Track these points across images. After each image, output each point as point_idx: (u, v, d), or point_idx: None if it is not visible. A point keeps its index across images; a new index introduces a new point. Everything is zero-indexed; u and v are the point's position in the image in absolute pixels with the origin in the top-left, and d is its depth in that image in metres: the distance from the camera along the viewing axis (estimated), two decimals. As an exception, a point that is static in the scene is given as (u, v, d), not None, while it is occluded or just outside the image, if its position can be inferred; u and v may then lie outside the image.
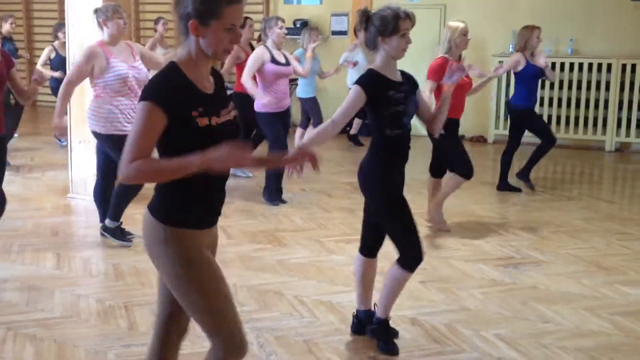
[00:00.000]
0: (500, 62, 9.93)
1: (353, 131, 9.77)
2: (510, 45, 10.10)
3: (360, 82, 3.29)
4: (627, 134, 9.76)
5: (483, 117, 10.17)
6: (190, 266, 2.27)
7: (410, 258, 3.34)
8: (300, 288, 4.33)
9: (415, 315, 3.90)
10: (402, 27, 3.20)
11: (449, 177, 5.56)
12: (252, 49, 7.09)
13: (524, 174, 7.12)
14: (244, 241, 5.30)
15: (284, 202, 6.40)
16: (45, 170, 7.78)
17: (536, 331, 3.77)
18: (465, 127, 10.39)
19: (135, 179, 2.21)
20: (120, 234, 5.12)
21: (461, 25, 5.23)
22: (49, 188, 6.89)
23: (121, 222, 5.16)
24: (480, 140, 10.28)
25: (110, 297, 4.18)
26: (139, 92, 4.63)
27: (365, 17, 3.28)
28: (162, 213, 2.31)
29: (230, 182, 5.95)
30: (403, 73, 3.41)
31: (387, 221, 3.38)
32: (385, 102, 3.25)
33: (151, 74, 5.04)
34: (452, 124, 5.20)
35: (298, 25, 10.61)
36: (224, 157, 2.08)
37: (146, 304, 4.03)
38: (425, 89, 5.03)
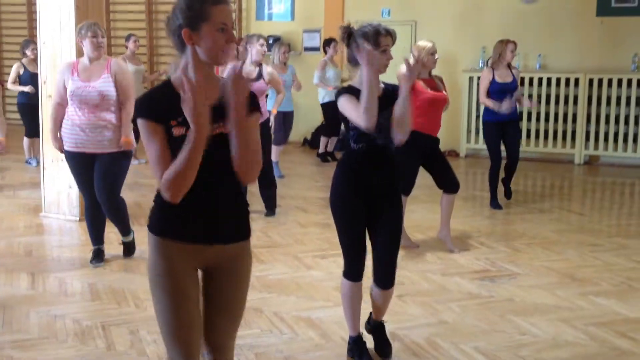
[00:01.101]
0: (470, 77, 10.16)
1: (322, 150, 9.78)
2: (481, 61, 10.28)
3: (344, 91, 3.31)
4: (596, 147, 9.96)
5: (455, 131, 10.30)
6: (154, 273, 2.35)
7: (346, 266, 3.45)
8: (280, 304, 4.33)
9: (395, 329, 3.92)
10: (382, 43, 3.24)
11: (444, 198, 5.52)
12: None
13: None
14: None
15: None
16: (16, 189, 7.68)
17: (514, 343, 3.81)
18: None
19: (171, 191, 2.20)
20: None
21: (429, 45, 5.26)
22: (21, 207, 6.80)
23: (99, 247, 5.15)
24: (452, 154, 10.40)
25: (86, 317, 4.13)
26: (89, 112, 4.73)
27: (347, 34, 3.31)
28: (149, 221, 2.41)
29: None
30: (386, 87, 3.40)
31: (337, 231, 3.43)
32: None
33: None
34: (430, 142, 5.26)
35: (270, 42, 10.65)
36: (188, 105, 2.09)
37: (123, 323, 4.00)
38: None
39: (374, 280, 3.52)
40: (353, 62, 3.36)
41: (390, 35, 3.28)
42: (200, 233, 2.33)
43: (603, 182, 8.94)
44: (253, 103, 2.33)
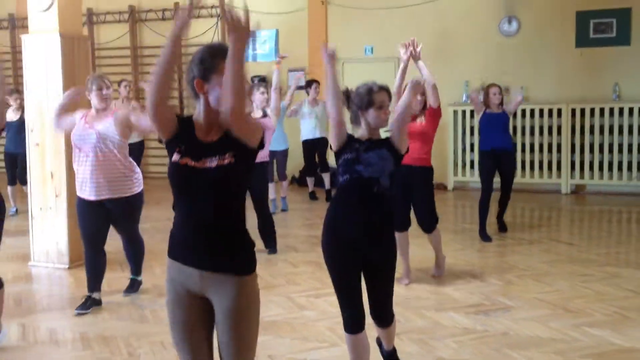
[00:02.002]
0: (454, 111, 10.28)
1: (310, 188, 9.91)
2: (464, 95, 10.41)
3: None
4: (582, 176, 10.07)
5: (442, 165, 10.36)
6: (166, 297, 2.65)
7: (343, 318, 3.42)
8: (274, 347, 4.29)
9: (391, 368, 3.90)
10: (376, 99, 3.39)
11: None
12: None
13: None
14: (213, 301, 5.24)
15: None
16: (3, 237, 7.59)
17: (511, 378, 3.80)
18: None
19: (150, 87, 2.47)
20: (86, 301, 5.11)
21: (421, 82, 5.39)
22: (9, 256, 6.73)
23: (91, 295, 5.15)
24: (440, 187, 10.45)
25: (79, 367, 4.08)
26: (92, 155, 4.87)
27: (346, 96, 3.49)
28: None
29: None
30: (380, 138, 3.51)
31: (331, 280, 3.44)
32: (344, 151, 3.40)
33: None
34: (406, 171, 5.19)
35: (255, 82, 10.72)
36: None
37: (117, 372, 3.95)
38: None
39: (373, 321, 3.51)
40: (354, 120, 3.51)
41: (386, 90, 3.44)
42: (183, 250, 2.53)
43: (590, 210, 9.01)
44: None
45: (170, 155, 2.52)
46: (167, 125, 2.53)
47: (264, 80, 10.31)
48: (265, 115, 6.66)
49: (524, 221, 8.31)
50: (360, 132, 3.48)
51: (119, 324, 4.80)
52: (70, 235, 6.19)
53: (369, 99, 3.39)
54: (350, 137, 3.44)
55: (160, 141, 2.71)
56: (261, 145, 2.55)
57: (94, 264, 5.13)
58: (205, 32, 11.97)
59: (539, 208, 9.03)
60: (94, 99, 5.00)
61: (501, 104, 7.17)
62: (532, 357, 4.07)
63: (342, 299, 3.39)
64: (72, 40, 6.28)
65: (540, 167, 10.25)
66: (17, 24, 13.02)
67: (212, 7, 11.96)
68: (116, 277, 6.00)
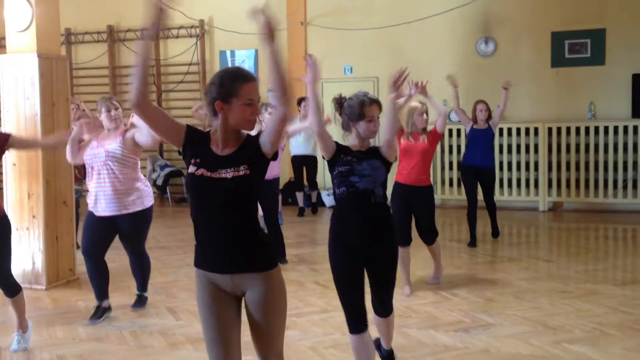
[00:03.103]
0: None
1: (300, 204, 10.01)
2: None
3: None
4: (559, 194, 10.17)
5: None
6: (196, 297, 2.84)
7: (347, 320, 3.61)
8: (255, 367, 4.25)
9: (373, 387, 3.88)
10: (367, 113, 3.54)
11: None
12: None
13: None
14: (193, 321, 5.20)
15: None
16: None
17: (492, 395, 3.80)
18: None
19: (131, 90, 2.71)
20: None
21: (419, 106, 5.66)
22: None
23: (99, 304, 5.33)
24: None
25: (56, 390, 4.01)
26: (103, 173, 5.07)
27: (339, 104, 3.67)
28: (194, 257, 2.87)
29: (170, 259, 5.89)
30: (373, 146, 3.66)
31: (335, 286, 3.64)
32: (336, 163, 3.56)
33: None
34: (407, 190, 5.68)
35: (261, 104, 10.76)
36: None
37: (96, 394, 3.89)
38: None
39: (373, 310, 3.73)
40: (345, 128, 3.65)
41: (377, 103, 3.59)
42: (217, 264, 2.75)
43: (568, 228, 9.10)
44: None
45: (187, 165, 2.76)
46: (158, 126, 2.77)
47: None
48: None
49: (502, 239, 8.35)
50: (351, 141, 3.64)
51: (97, 346, 4.73)
52: (47, 256, 6.12)
53: (360, 112, 3.53)
54: (339, 147, 3.59)
55: (179, 152, 2.90)
56: (274, 157, 2.78)
57: (97, 274, 5.30)
58: (184, 51, 12.00)
59: (517, 225, 9.09)
60: (104, 120, 5.22)
61: (488, 119, 7.69)
62: (513, 374, 4.08)
63: (346, 302, 3.59)
64: (50, 60, 6.25)
65: (518, 185, 10.35)
66: (-6, 43, 12.92)
67: (191, 27, 11.98)
68: (92, 297, 5.91)
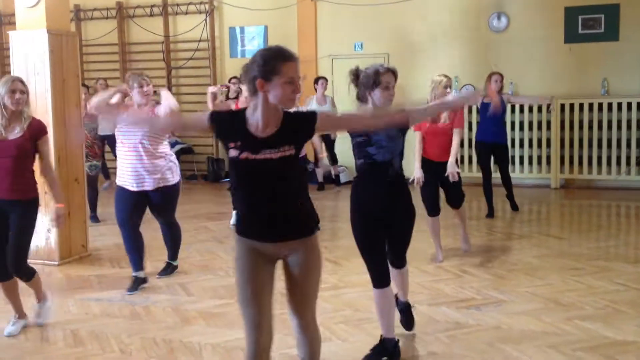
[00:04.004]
0: (445, 106, 10.24)
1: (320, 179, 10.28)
2: (454, 90, 10.40)
3: None
4: (571, 171, 10.10)
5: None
6: (235, 257, 3.00)
7: (371, 277, 3.87)
8: (267, 343, 4.27)
9: (384, 363, 3.90)
10: (383, 80, 3.65)
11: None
12: None
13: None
14: (204, 297, 5.23)
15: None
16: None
17: (504, 372, 3.81)
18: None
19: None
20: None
21: (444, 79, 5.77)
22: None
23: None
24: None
25: (70, 364, 4.05)
26: (136, 149, 5.21)
27: (355, 75, 3.77)
28: (236, 225, 3.07)
29: (182, 236, 5.95)
30: None
31: (357, 245, 3.88)
32: (354, 132, 3.73)
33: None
34: (435, 166, 5.85)
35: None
36: None
37: (109, 369, 3.93)
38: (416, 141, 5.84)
39: (389, 264, 3.96)
40: (362, 98, 3.76)
41: (391, 72, 3.71)
42: (262, 234, 2.92)
43: (580, 205, 9.05)
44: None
45: (226, 149, 2.87)
46: (191, 132, 3.12)
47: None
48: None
49: (514, 216, 8.32)
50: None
51: (110, 321, 4.77)
52: (60, 232, 6.14)
53: (375, 79, 3.63)
54: None
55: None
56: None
57: (133, 245, 5.47)
58: (193, 28, 11.94)
59: (529, 203, 9.05)
60: (136, 96, 5.33)
61: (500, 91, 7.85)
62: (524, 350, 4.08)
63: (369, 262, 3.84)
64: (60, 36, 6.23)
65: (530, 162, 10.29)
66: (3, 20, 12.91)
67: (200, 3, 11.91)
68: (107, 274, 5.97)
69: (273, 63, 2.73)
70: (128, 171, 5.31)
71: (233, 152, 2.83)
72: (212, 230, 7.59)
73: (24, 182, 4.37)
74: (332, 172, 10.36)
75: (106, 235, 7.42)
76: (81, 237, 6.51)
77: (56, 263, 6.18)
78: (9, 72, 6.60)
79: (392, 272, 4.03)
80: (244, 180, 2.89)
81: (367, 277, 4.95)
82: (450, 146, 5.83)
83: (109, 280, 5.74)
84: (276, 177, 2.85)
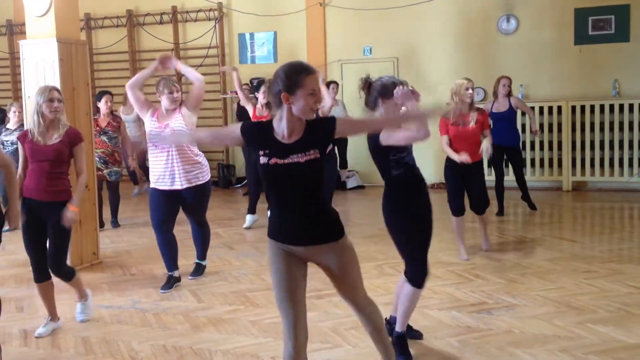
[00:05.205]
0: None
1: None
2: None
3: None
4: (582, 173, 10.05)
5: (441, 163, 10.31)
6: (269, 260, 3.17)
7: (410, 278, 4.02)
8: (277, 349, 4.26)
9: (395, 368, 3.87)
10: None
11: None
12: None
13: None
14: (215, 304, 5.23)
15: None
16: (3, 243, 7.57)
17: (515, 376, 3.78)
18: (426, 174, 10.59)
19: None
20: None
21: (465, 82, 6.07)
22: (10, 262, 6.72)
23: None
24: (441, 186, 10.40)
25: (81, 372, 4.06)
26: (169, 150, 5.38)
27: (367, 84, 3.96)
28: (268, 229, 3.20)
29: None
30: None
31: (401, 241, 4.03)
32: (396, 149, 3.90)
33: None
34: (462, 168, 6.07)
35: (255, 84, 10.74)
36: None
37: (120, 376, 3.93)
38: (442, 143, 6.12)
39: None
40: (372, 106, 3.96)
41: (404, 86, 3.88)
42: (293, 237, 3.09)
43: (592, 207, 8.99)
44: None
45: (257, 158, 3.06)
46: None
47: (263, 83, 10.38)
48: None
49: (525, 219, 8.28)
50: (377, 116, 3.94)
51: (120, 328, 4.78)
52: (71, 240, 6.14)
53: (392, 89, 3.80)
54: None
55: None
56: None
57: (168, 246, 5.67)
58: (203, 35, 11.98)
59: (541, 205, 8.98)
60: (165, 101, 5.51)
61: (508, 95, 8.17)
62: (536, 355, 4.05)
63: (420, 254, 4.00)
64: (70, 45, 6.27)
65: (542, 165, 10.24)
66: (15, 29, 13.02)
67: (209, 10, 11.95)
68: (117, 281, 5.99)
69: (296, 77, 2.94)
70: (161, 171, 5.45)
71: (263, 159, 3.03)
72: (222, 237, 7.60)
73: (60, 184, 4.58)
74: (341, 177, 10.36)
75: (117, 243, 7.44)
76: (92, 244, 6.54)
77: (68, 270, 6.19)
78: (20, 82, 6.64)
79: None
80: (274, 185, 3.07)
81: (377, 282, 4.95)
82: (477, 148, 6.09)
83: (120, 287, 5.76)
84: (304, 180, 3.03)
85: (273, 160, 3.01)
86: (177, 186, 5.47)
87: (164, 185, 5.48)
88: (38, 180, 4.52)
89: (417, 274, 3.97)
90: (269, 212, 3.24)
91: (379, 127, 3.69)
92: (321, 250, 3.12)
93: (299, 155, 3.01)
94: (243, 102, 8.34)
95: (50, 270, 4.61)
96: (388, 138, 3.76)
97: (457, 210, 6.19)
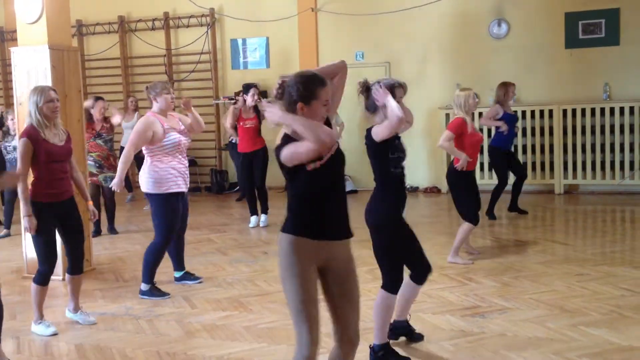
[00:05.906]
0: (447, 114, 10.25)
1: None
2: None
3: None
4: (574, 176, 10.09)
5: (436, 169, 10.36)
6: (287, 262, 3.05)
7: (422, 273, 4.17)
8: (271, 354, 4.27)
9: (389, 373, 3.88)
10: (397, 94, 3.99)
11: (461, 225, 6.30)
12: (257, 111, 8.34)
13: (488, 211, 8.24)
14: (208, 310, 5.23)
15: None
16: (-3, 250, 7.57)
17: (509, 379, 3.79)
18: (419, 178, 10.63)
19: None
20: (157, 291, 5.60)
21: (471, 92, 6.13)
22: (3, 269, 6.70)
23: (155, 282, 5.65)
24: (434, 191, 10.46)
25: (75, 379, 4.05)
26: (184, 153, 5.58)
27: (366, 87, 4.00)
28: (284, 226, 3.10)
29: (185, 248, 5.95)
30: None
31: (384, 248, 4.13)
32: (391, 145, 3.99)
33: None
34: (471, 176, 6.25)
35: (244, 86, 10.73)
36: None
37: (113, 383, 3.92)
38: (443, 138, 6.06)
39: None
40: (371, 109, 4.01)
41: (403, 87, 4.11)
42: (337, 231, 3.11)
43: (584, 210, 9.03)
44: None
45: (299, 168, 3.05)
46: None
47: (254, 86, 10.35)
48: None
49: (518, 222, 8.30)
50: (377, 120, 3.99)
51: (114, 335, 4.77)
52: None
53: (391, 93, 3.89)
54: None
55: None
56: None
57: (176, 250, 5.88)
58: (195, 41, 11.99)
59: (533, 209, 9.01)
60: (162, 102, 5.54)
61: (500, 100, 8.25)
62: (529, 358, 4.06)
63: (400, 267, 4.08)
64: (62, 52, 6.27)
65: (533, 168, 10.27)
66: (6, 36, 12.99)
67: (201, 16, 11.96)
68: (110, 288, 5.98)
69: (312, 88, 3.02)
70: (173, 174, 5.50)
71: (312, 165, 3.00)
72: (215, 242, 7.60)
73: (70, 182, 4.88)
74: None
75: (110, 250, 7.43)
76: (85, 251, 6.49)
77: (60, 278, 6.16)
78: (12, 89, 6.63)
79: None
80: (328, 183, 3.08)
81: (369, 286, 4.94)
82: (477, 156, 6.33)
83: (113, 294, 5.74)
84: (339, 174, 3.12)
85: (317, 162, 3.02)
86: (184, 188, 5.62)
87: (179, 188, 5.55)
88: (61, 181, 4.72)
89: (396, 279, 4.07)
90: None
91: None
92: (342, 245, 3.16)
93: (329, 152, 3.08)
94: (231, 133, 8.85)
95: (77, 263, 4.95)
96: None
97: (475, 217, 6.23)
